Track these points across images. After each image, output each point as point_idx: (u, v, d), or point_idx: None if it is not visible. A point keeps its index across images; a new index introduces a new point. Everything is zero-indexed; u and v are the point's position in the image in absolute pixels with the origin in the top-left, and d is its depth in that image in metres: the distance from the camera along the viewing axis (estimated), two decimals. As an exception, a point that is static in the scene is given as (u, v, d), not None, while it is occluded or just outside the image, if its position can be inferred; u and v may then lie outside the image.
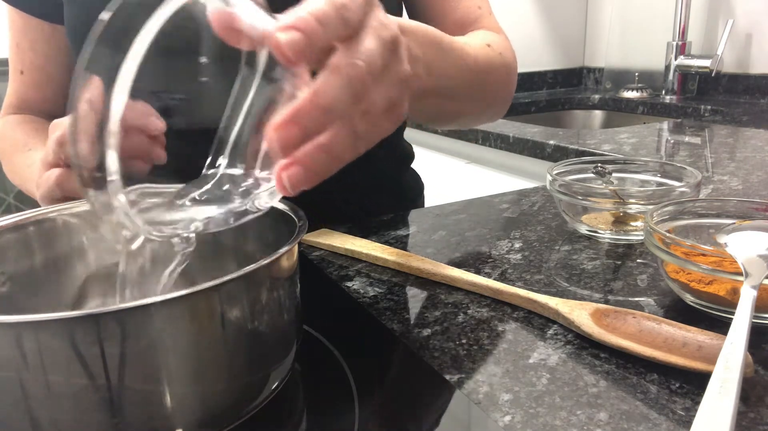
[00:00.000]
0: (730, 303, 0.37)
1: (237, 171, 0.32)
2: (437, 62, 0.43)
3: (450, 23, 0.64)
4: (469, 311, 0.41)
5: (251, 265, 0.28)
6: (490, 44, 0.56)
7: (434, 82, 0.43)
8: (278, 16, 0.28)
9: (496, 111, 0.62)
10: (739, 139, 1.01)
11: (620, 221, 0.54)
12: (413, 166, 0.78)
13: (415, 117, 0.52)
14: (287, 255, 0.32)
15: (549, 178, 0.56)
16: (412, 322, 0.40)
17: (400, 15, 0.66)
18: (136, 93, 0.26)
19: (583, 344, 0.37)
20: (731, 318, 0.32)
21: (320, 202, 0.47)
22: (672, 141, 1.03)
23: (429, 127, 1.46)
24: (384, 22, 0.30)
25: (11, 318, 0.24)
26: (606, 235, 0.54)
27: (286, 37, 0.26)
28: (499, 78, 0.56)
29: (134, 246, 0.31)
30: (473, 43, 0.52)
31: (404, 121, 0.73)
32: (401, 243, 0.55)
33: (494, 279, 0.45)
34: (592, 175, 0.58)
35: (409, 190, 0.75)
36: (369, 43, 0.28)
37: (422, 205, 0.78)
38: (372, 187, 0.68)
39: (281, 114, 0.27)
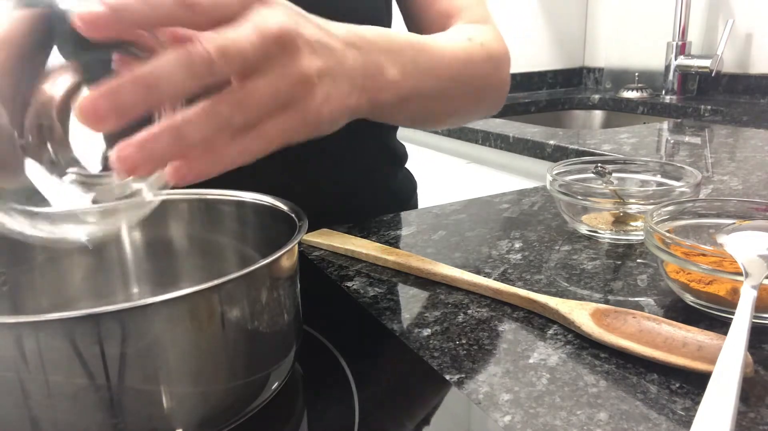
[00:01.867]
0: (730, 303, 0.37)
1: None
2: (410, 65, 0.42)
3: (434, 13, 0.62)
4: (469, 311, 0.41)
5: (251, 265, 0.28)
6: (471, 38, 0.54)
7: (412, 83, 0.42)
8: None
9: (489, 105, 0.59)
10: (739, 139, 1.01)
11: (620, 221, 0.54)
12: (408, 165, 0.78)
13: (405, 123, 0.51)
14: (287, 255, 0.31)
15: (549, 178, 0.56)
16: (412, 322, 0.40)
17: (389, 12, 0.65)
18: None
19: (583, 344, 0.37)
20: (731, 318, 0.32)
21: (309, 197, 0.46)
22: (672, 141, 1.03)
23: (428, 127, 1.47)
24: (269, 19, 0.28)
25: (11, 319, 0.24)
26: (606, 235, 0.54)
27: (86, 13, 0.23)
28: (483, 70, 0.54)
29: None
30: (450, 38, 0.51)
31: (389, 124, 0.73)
32: (401, 244, 0.55)
33: (494, 279, 0.45)
34: (592, 175, 0.58)
35: (401, 190, 0.75)
36: (237, 31, 0.26)
37: (415, 204, 0.78)
38: (364, 185, 0.68)
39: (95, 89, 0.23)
